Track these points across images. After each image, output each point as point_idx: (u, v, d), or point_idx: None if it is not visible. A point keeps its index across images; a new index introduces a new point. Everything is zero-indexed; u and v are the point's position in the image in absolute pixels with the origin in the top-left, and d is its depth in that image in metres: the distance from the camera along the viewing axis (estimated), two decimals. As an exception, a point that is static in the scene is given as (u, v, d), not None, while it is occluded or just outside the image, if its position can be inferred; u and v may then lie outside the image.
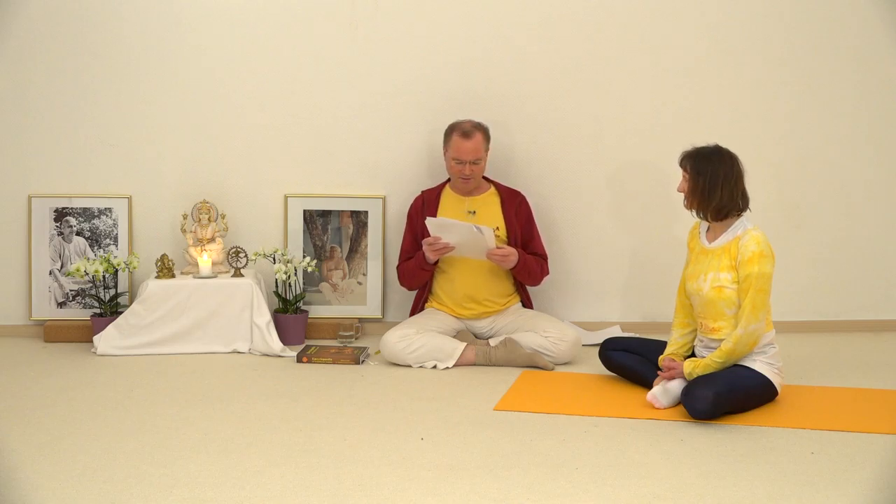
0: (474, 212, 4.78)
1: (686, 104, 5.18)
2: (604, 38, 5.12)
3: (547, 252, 4.91)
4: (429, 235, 4.67)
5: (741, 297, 3.90)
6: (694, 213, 4.06)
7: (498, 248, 4.60)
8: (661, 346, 4.23)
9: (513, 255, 4.64)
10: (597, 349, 4.51)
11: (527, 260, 4.72)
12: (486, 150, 4.77)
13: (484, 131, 4.75)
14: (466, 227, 4.53)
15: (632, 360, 4.26)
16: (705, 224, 4.09)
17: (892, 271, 5.36)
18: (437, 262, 4.74)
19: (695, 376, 3.90)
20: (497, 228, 4.77)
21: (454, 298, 4.79)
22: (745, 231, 3.95)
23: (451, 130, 4.75)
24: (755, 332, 3.88)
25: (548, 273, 4.87)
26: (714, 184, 3.93)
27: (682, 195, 4.07)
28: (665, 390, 3.95)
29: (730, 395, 3.80)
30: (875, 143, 5.27)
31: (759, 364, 3.94)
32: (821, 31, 5.18)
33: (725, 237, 3.99)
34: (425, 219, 4.66)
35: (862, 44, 5.18)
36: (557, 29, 5.11)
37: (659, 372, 4.07)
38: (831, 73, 5.21)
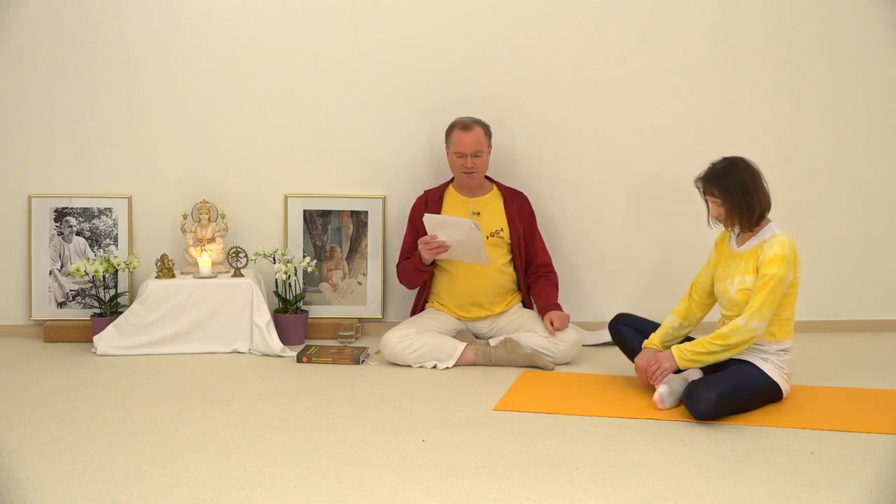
0: (478, 213, 4.78)
1: (686, 104, 5.18)
2: (604, 38, 5.12)
3: (550, 254, 4.93)
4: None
5: (753, 292, 3.89)
6: (735, 230, 4.05)
7: (554, 324, 4.63)
8: None
9: (566, 317, 4.68)
10: (597, 349, 4.51)
11: (555, 296, 4.82)
12: (488, 145, 4.77)
13: (484, 126, 4.76)
14: (465, 224, 4.52)
15: (637, 341, 4.24)
16: (737, 228, 4.09)
17: (892, 271, 5.36)
18: (433, 264, 4.73)
19: (686, 360, 3.90)
20: (501, 230, 4.77)
21: (456, 301, 4.79)
22: (773, 235, 3.97)
23: (452, 127, 4.77)
24: (755, 329, 3.87)
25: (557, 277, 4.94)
26: (747, 192, 3.93)
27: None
28: (671, 391, 3.95)
29: (733, 395, 3.80)
30: (875, 142, 5.27)
31: (769, 366, 3.94)
32: (821, 31, 5.17)
33: (753, 241, 4.00)
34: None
35: (862, 44, 5.19)
36: (557, 29, 5.11)
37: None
38: (831, 73, 5.21)
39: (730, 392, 3.79)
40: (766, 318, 3.87)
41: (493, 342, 4.64)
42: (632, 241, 5.25)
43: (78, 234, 5.07)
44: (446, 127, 4.82)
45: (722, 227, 4.11)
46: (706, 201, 4.04)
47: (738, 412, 3.85)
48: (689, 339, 4.17)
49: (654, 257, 5.25)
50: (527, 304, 4.89)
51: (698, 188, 4.05)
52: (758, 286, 3.89)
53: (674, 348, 3.97)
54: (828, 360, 4.72)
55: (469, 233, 4.50)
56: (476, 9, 5.08)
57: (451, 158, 4.77)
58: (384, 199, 5.17)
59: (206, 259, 4.86)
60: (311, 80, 5.10)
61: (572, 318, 4.85)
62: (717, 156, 5.18)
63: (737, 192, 3.92)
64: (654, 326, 4.31)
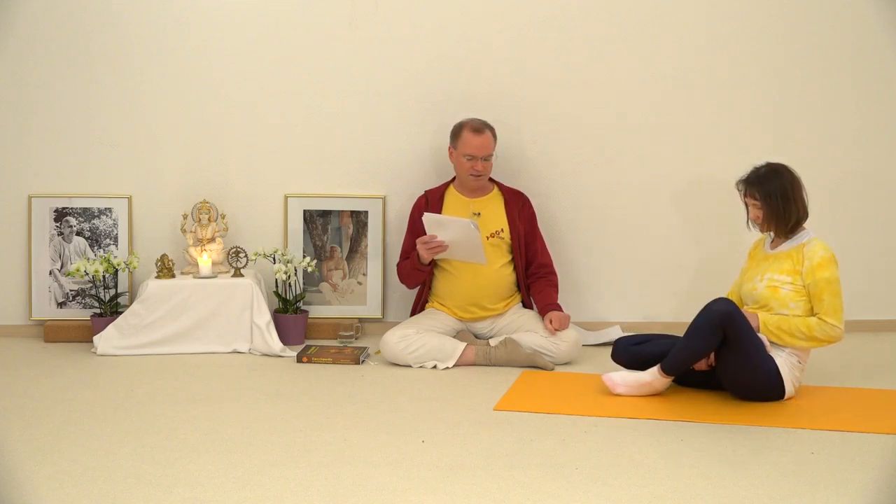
0: (479, 213, 4.79)
1: (687, 103, 5.17)
2: (605, 36, 5.11)
3: (550, 254, 4.93)
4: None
5: (815, 301, 3.98)
6: (771, 235, 4.12)
7: (554, 324, 4.60)
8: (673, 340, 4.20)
9: (566, 317, 4.66)
10: (597, 349, 4.49)
11: (555, 296, 4.79)
12: (494, 148, 4.78)
13: (492, 129, 4.77)
14: (464, 223, 4.52)
15: (663, 347, 4.17)
16: (771, 235, 4.16)
17: (892, 271, 5.36)
18: (432, 263, 4.73)
19: (769, 331, 3.94)
20: (501, 230, 4.77)
21: (457, 302, 4.78)
22: (810, 239, 4.05)
23: (461, 128, 4.76)
24: (834, 329, 3.95)
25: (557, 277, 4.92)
26: (787, 199, 4.01)
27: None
28: (623, 380, 4.03)
29: (736, 353, 3.83)
30: (875, 142, 5.27)
31: (781, 360, 3.97)
32: (822, 31, 5.17)
33: (789, 244, 4.08)
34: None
35: (864, 43, 5.18)
36: (558, 28, 5.10)
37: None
38: (831, 73, 5.20)
39: (737, 345, 3.83)
40: (841, 320, 3.96)
41: (493, 342, 4.63)
42: (632, 240, 5.25)
43: (78, 234, 5.07)
44: (448, 127, 4.83)
45: (759, 232, 4.18)
46: (746, 203, 4.12)
47: (729, 377, 3.90)
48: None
49: (656, 258, 5.25)
50: (527, 305, 4.89)
51: (739, 190, 4.13)
52: (816, 292, 3.97)
53: (760, 315, 3.99)
54: (828, 360, 4.71)
55: (468, 232, 4.50)
56: (476, 8, 5.08)
57: (458, 160, 4.77)
58: (384, 199, 5.17)
59: (206, 259, 4.86)
60: (310, 80, 5.10)
61: (573, 318, 4.85)
62: (718, 157, 5.21)
63: (777, 197, 4.01)
64: (656, 338, 4.29)
